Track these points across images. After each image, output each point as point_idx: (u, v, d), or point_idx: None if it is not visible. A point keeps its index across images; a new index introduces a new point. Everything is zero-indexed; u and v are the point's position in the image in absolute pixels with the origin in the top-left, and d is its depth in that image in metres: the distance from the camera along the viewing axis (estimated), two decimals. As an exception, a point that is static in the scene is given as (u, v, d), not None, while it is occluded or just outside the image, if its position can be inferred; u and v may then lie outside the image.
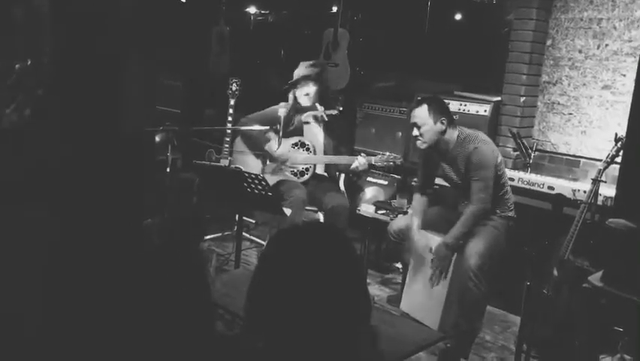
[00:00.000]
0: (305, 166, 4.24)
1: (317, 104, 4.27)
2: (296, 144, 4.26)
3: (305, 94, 4.25)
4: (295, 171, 4.23)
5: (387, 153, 4.05)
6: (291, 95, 4.33)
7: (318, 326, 1.11)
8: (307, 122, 4.32)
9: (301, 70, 4.34)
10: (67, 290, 1.33)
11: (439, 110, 3.53)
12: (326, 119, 4.33)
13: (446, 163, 3.67)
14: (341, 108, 4.68)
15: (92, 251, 1.36)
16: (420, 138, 3.57)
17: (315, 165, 4.28)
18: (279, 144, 4.05)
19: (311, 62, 4.37)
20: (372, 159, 4.01)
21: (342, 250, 1.18)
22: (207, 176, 3.85)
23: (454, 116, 4.65)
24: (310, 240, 1.17)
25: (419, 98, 3.77)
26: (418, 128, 3.55)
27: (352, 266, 1.19)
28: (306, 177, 4.23)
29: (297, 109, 4.31)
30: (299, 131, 4.28)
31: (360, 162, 4.02)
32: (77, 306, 1.32)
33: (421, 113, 3.53)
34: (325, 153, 4.30)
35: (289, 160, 4.25)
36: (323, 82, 4.39)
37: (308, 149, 4.23)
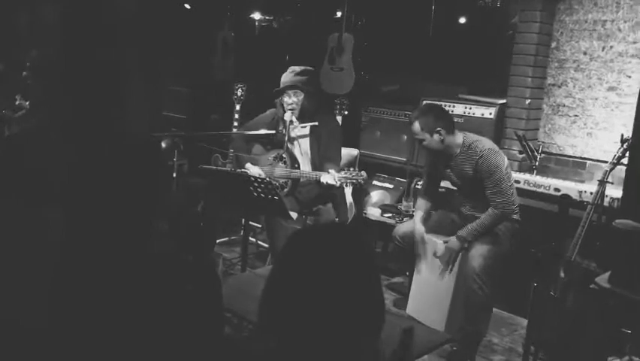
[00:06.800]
0: (284, 180, 4.05)
1: (293, 118, 4.02)
2: (275, 157, 4.09)
3: (289, 104, 4.01)
4: (277, 184, 3.98)
5: (351, 169, 3.67)
6: (278, 102, 4.11)
7: (331, 328, 1.11)
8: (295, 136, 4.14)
9: (288, 77, 4.11)
10: (78, 293, 1.34)
11: (433, 122, 3.53)
12: (297, 133, 4.12)
13: (450, 168, 3.68)
14: (346, 112, 4.68)
15: (103, 256, 1.37)
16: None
17: (292, 179, 4.03)
18: (286, 149, 4.02)
19: (298, 70, 4.12)
20: (337, 176, 3.62)
21: (359, 253, 1.18)
22: (214, 180, 3.85)
23: (459, 120, 4.69)
24: (328, 241, 1.17)
25: (411, 113, 3.71)
26: (421, 142, 3.62)
27: (368, 269, 1.19)
28: (286, 190, 4.03)
29: (279, 119, 4.12)
30: (280, 144, 4.06)
31: (326, 178, 3.68)
32: (87, 308, 1.33)
33: (416, 130, 3.57)
34: (312, 161, 4.10)
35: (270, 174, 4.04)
36: (312, 89, 4.12)
37: (285, 162, 4.04)
